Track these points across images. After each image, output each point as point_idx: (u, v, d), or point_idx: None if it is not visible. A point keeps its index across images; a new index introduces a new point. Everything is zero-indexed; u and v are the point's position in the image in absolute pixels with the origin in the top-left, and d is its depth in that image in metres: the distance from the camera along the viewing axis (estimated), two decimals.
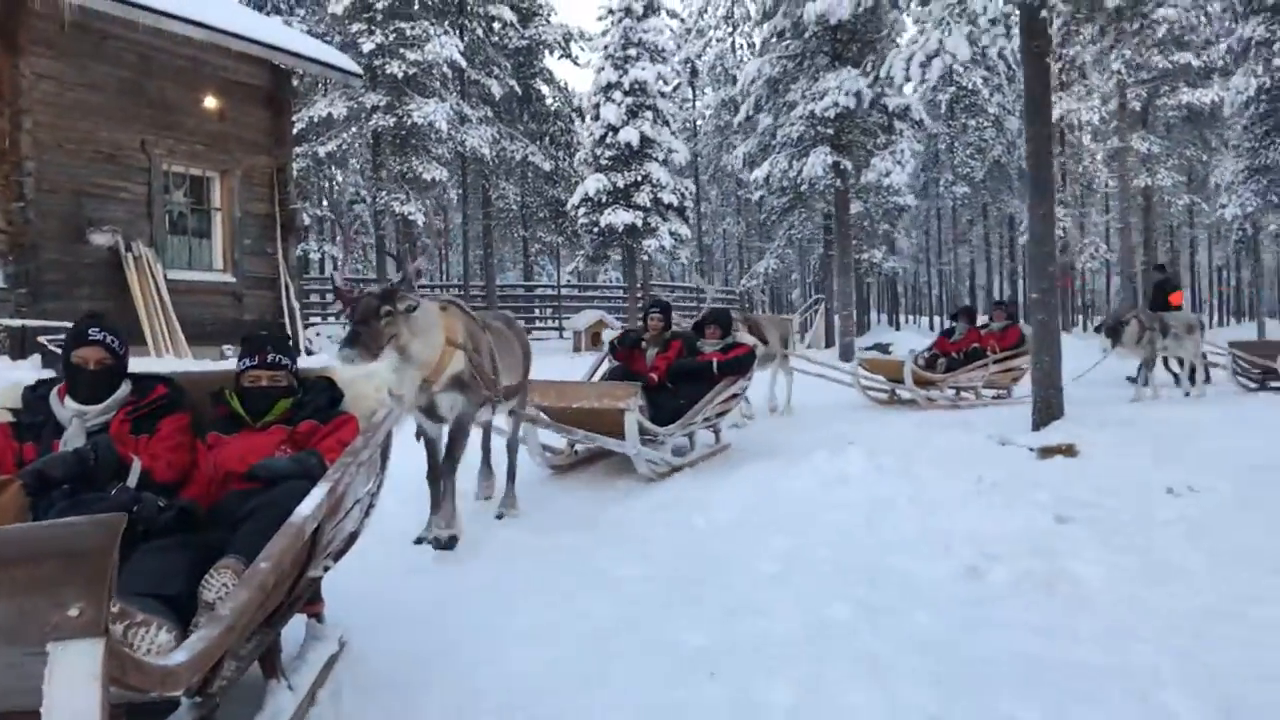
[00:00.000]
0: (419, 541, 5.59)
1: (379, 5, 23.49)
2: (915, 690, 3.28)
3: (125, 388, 3.66)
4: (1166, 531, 5.36)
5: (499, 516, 6.40)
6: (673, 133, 25.72)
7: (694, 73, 41.12)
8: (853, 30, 18.77)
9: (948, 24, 8.95)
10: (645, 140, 24.42)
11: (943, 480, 6.81)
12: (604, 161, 24.73)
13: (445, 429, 5.82)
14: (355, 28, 23.58)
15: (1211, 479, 6.90)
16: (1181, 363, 13.66)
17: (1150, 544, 5.07)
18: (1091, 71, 30.12)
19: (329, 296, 24.64)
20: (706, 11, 40.79)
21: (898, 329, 36.47)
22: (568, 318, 28.53)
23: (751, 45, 37.85)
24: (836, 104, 17.13)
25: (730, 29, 40.51)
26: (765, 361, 10.92)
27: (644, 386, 7.80)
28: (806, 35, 16.30)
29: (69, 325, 4.31)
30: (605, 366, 8.95)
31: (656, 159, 24.76)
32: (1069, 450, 8.12)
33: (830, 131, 19.01)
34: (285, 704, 3.14)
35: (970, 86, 31.74)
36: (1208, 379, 13.97)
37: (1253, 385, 14.03)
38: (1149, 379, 12.62)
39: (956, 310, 14.38)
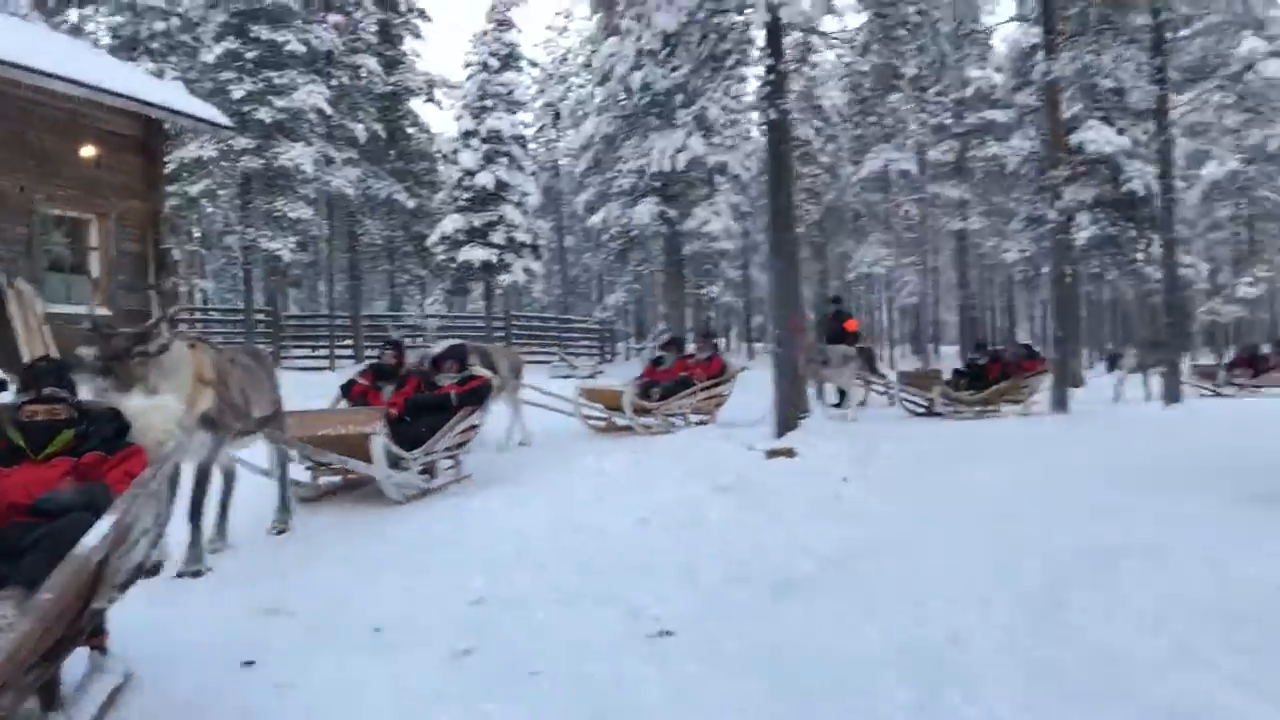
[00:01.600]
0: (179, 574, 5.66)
1: (249, 55, 25.14)
2: (594, 573, 5.43)
3: None
4: (796, 497, 7.70)
5: (279, 532, 6.82)
6: (528, 176, 27.93)
7: (556, 116, 43.48)
8: (677, 96, 21.30)
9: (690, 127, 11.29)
10: (500, 184, 26.59)
11: (686, 479, 8.95)
12: (462, 202, 26.81)
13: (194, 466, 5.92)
14: (225, 75, 25.15)
15: (883, 472, 9.32)
16: (842, 391, 15.58)
17: (780, 507, 7.38)
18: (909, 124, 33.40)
19: (199, 326, 26.03)
20: (566, 60, 43.25)
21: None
22: (430, 347, 30.29)
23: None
24: (662, 162, 19.48)
25: (589, 77, 43.02)
26: (497, 393, 10.83)
27: (386, 420, 7.94)
28: (636, 99, 18.54)
29: None
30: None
31: (511, 201, 26.94)
32: (789, 453, 10.49)
33: (658, 184, 21.45)
34: None
35: (804, 137, 34.71)
36: (863, 403, 16.47)
37: (920, 410, 15.95)
38: (820, 401, 14.27)
39: (666, 340, 14.96)
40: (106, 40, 30.63)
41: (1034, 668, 4.02)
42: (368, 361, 14.98)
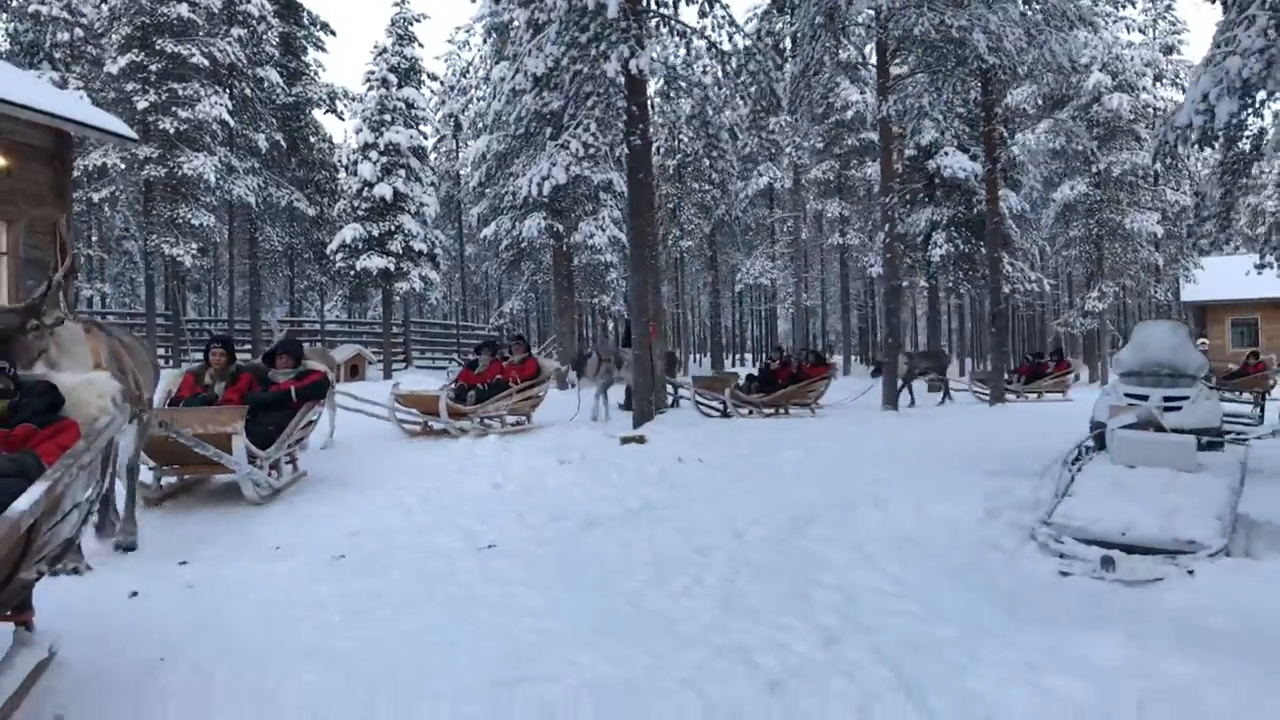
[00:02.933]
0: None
1: (153, 67, 25.97)
2: (447, 516, 6.91)
3: None
4: (630, 471, 9.31)
5: (119, 547, 6.11)
6: (427, 188, 29.22)
7: (458, 126, 44.78)
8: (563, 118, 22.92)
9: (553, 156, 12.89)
10: (398, 195, 27.82)
11: (538, 454, 10.52)
12: (361, 212, 27.95)
13: None
14: (130, 87, 25.96)
15: (714, 455, 10.98)
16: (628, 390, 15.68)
17: (613, 477, 8.97)
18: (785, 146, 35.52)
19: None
20: (468, 74, 44.57)
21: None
22: (331, 350, 31.40)
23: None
24: (560, 170, 20.84)
25: (489, 90, 44.42)
26: None
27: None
28: (526, 122, 19.91)
29: None
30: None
31: (409, 211, 28.18)
32: (640, 439, 12.10)
33: (545, 199, 22.93)
34: None
35: (693, 153, 36.58)
36: (674, 404, 17.11)
37: (714, 412, 16.43)
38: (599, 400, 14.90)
39: (479, 344, 14.81)
40: (5, 45, 31.15)
41: (750, 567, 5.66)
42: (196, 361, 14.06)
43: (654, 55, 11.52)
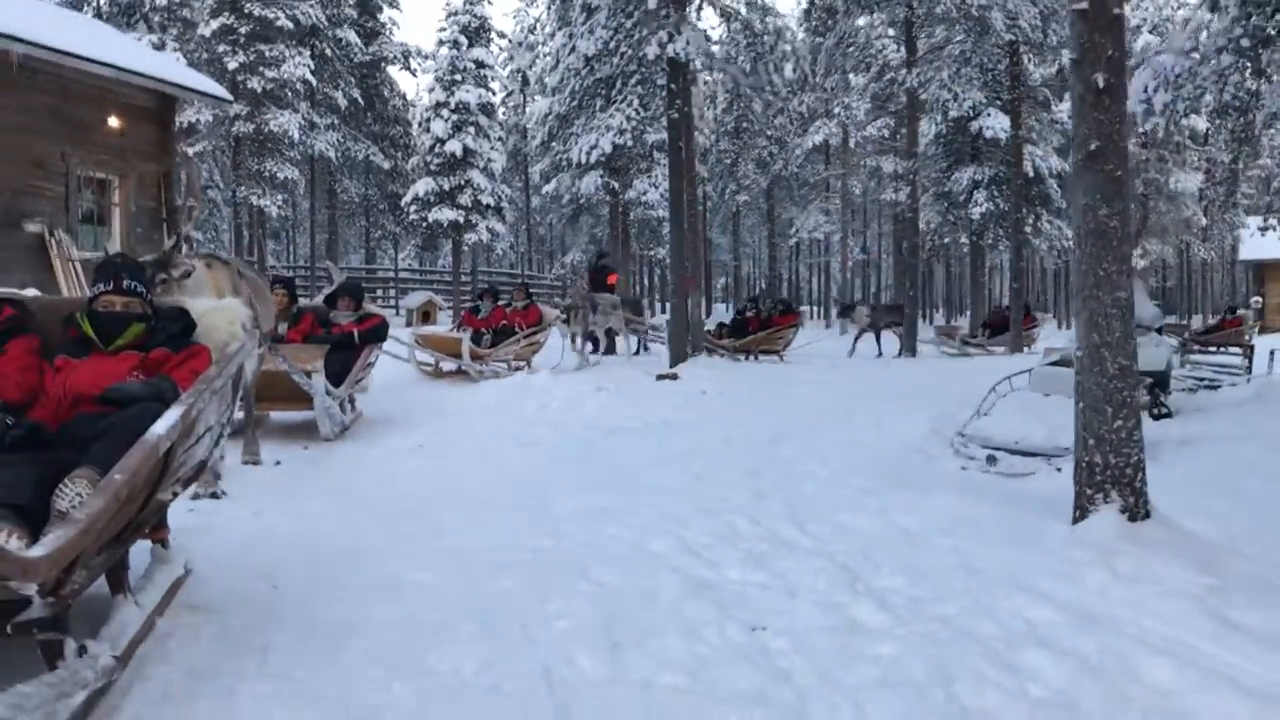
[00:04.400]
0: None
1: (242, 30, 28.07)
2: (502, 425, 8.77)
3: None
4: (658, 398, 11.12)
5: (245, 463, 6.69)
6: (494, 144, 31.07)
7: (525, 81, 46.50)
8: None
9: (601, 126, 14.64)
10: (468, 151, 29.70)
11: (579, 384, 12.31)
12: (433, 167, 29.89)
13: None
14: (221, 48, 28.09)
15: (734, 388, 12.73)
16: (610, 332, 16.54)
17: (642, 401, 10.78)
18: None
19: None
20: (535, 30, 46.20)
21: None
22: (404, 297, 33.57)
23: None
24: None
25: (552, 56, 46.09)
26: None
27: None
28: (580, 95, 21.56)
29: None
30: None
31: (478, 167, 30.07)
32: (673, 376, 13.89)
33: (623, 142, 24.51)
34: (131, 619, 3.25)
35: (749, 111, 37.95)
36: (645, 349, 18.27)
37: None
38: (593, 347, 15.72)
39: (481, 291, 15.32)
40: (104, 4, 33.40)
41: (726, 461, 7.43)
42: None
43: (689, 39, 13.13)
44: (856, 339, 20.67)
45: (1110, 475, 4.68)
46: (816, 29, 22.20)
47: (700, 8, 14.73)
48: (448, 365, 12.85)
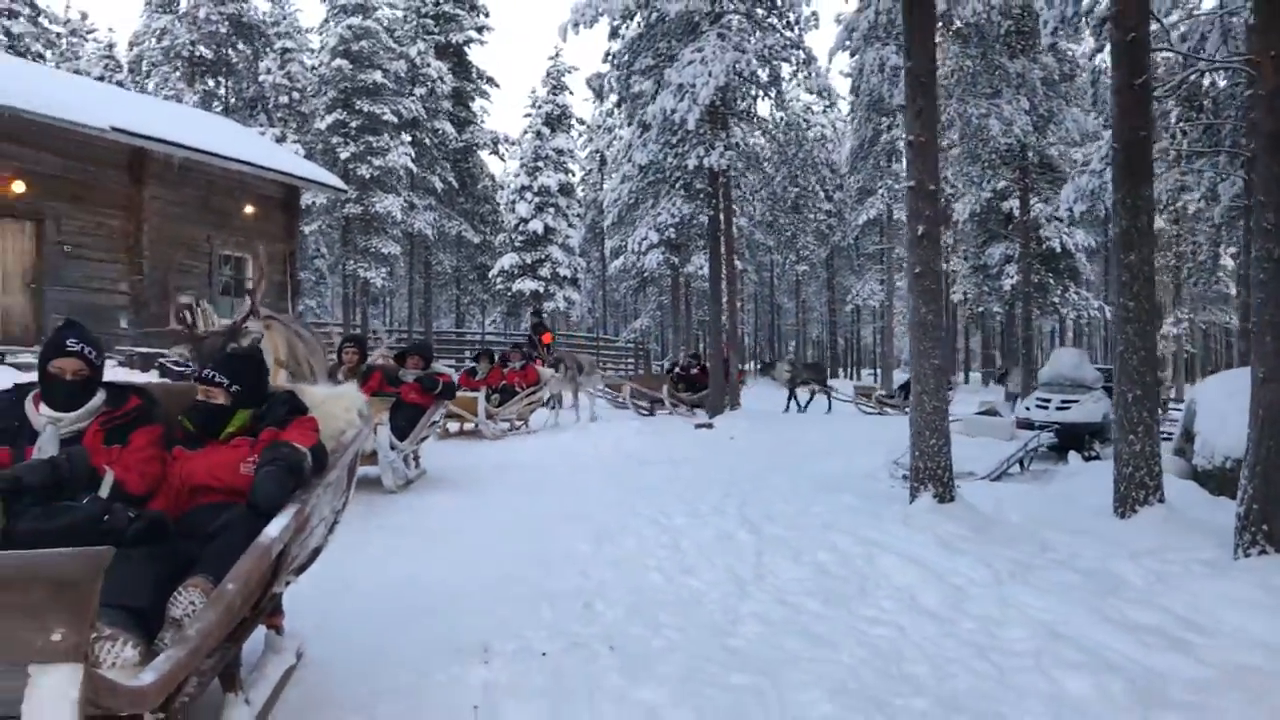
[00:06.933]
0: None
1: (353, 124, 32.03)
2: (552, 465, 11.74)
3: (100, 397, 3.71)
4: (690, 441, 14.02)
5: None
6: (570, 223, 34.56)
7: (602, 161, 50.23)
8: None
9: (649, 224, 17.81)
10: (548, 229, 33.23)
11: (623, 428, 15.23)
12: (517, 243, 33.45)
13: None
14: (335, 140, 32.05)
15: (758, 435, 15.56)
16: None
17: (675, 443, 13.68)
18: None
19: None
20: (612, 114, 49.92)
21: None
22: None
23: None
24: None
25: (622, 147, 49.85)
26: None
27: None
28: (640, 184, 24.62)
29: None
30: None
31: (556, 243, 33.56)
32: (709, 426, 16.76)
33: (671, 235, 27.72)
34: (241, 718, 3.26)
35: (808, 187, 40.96)
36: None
37: (644, 411, 18.69)
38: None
39: (478, 352, 15.62)
40: (232, 99, 37.84)
41: (719, 483, 10.28)
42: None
43: (722, 153, 16.22)
44: (789, 395, 21.68)
45: (928, 474, 7.50)
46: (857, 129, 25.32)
47: (737, 120, 17.78)
48: (453, 425, 13.20)
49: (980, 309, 34.09)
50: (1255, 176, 6.77)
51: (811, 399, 22.18)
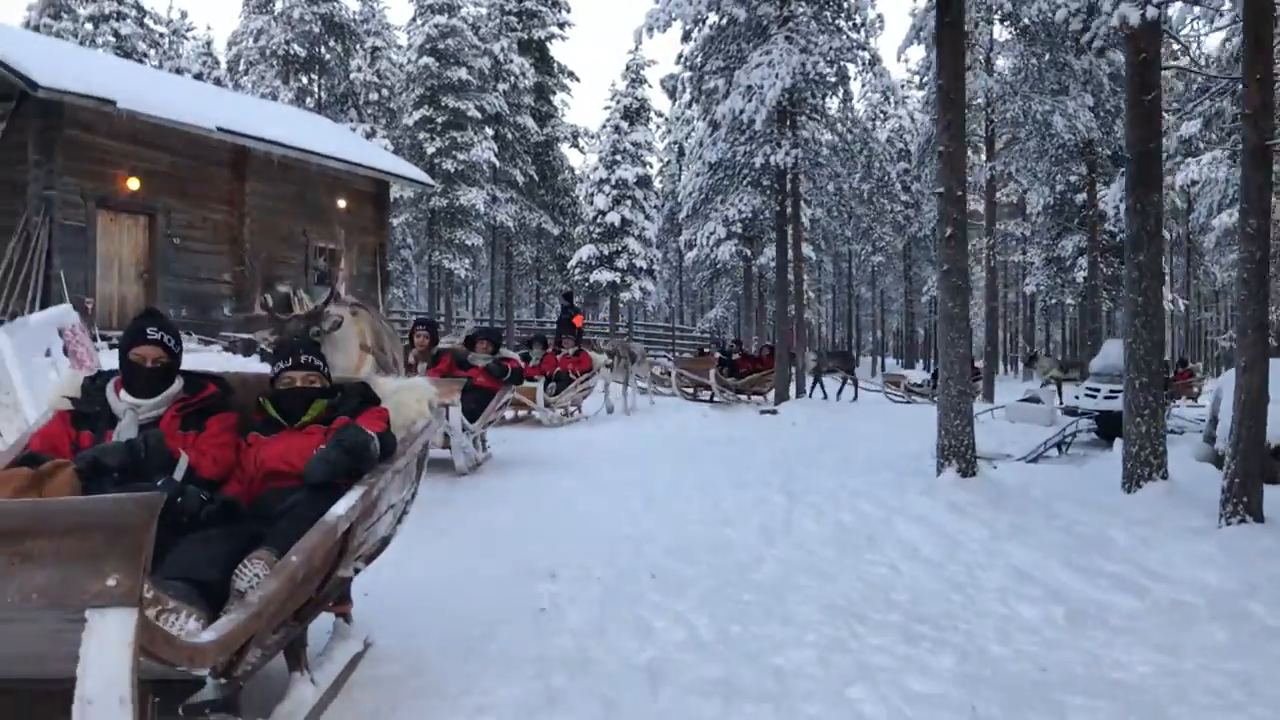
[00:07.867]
0: None
1: (439, 120, 33.37)
2: (628, 447, 12.73)
3: (178, 385, 3.81)
4: (751, 424, 14.92)
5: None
6: (647, 215, 35.51)
7: (681, 152, 51.10)
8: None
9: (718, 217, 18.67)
10: (625, 221, 34.24)
11: (690, 413, 16.16)
12: (595, 235, 34.51)
13: None
14: (422, 135, 33.43)
15: (819, 422, 16.40)
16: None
17: (736, 426, 14.58)
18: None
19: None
20: (691, 106, 50.77)
21: None
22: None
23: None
24: (741, 213, 26.59)
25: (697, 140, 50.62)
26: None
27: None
28: (710, 180, 25.46)
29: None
30: None
31: (634, 235, 34.56)
32: (774, 412, 17.61)
33: (739, 229, 28.60)
34: (307, 697, 3.32)
35: (884, 179, 41.31)
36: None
37: (689, 394, 18.60)
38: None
39: (530, 339, 15.71)
40: (324, 96, 39.49)
41: (771, 464, 11.17)
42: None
43: (788, 151, 17.05)
44: (813, 383, 21.56)
45: (952, 451, 8.33)
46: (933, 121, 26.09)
47: (806, 118, 18.58)
48: (508, 412, 12.78)
49: (1053, 300, 34.28)
50: (1239, 185, 7.47)
51: (842, 387, 22.44)
